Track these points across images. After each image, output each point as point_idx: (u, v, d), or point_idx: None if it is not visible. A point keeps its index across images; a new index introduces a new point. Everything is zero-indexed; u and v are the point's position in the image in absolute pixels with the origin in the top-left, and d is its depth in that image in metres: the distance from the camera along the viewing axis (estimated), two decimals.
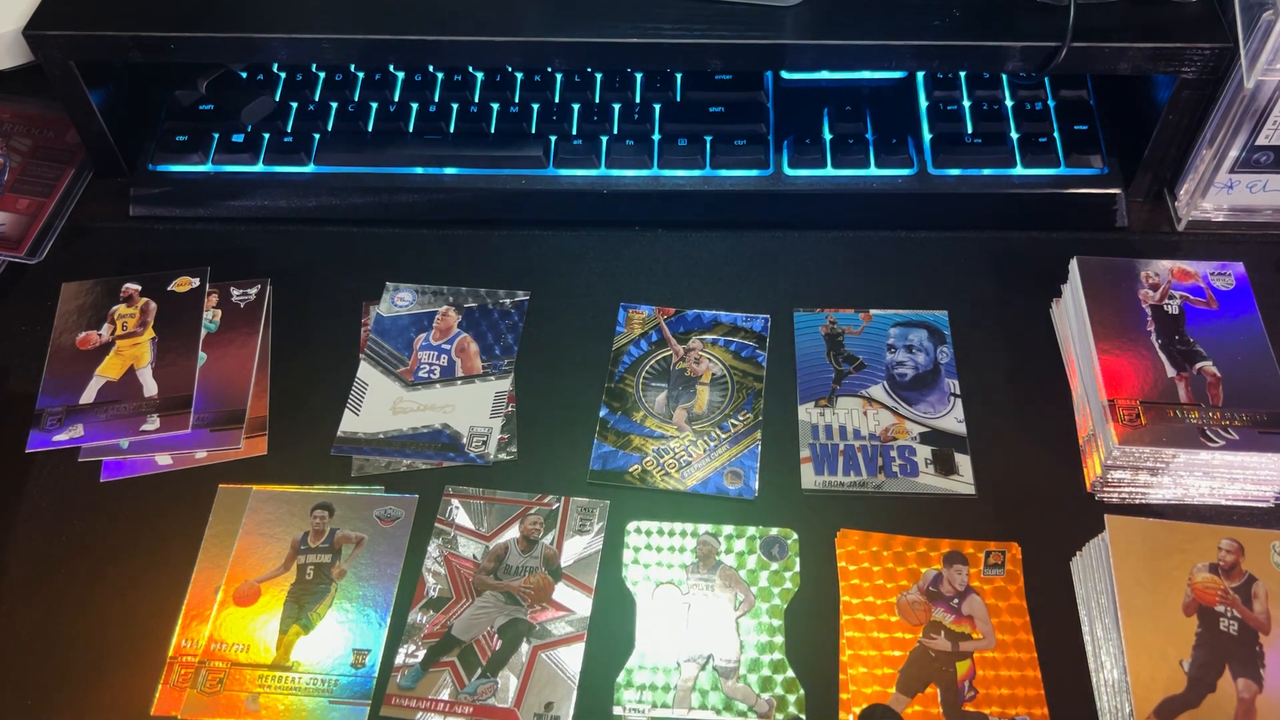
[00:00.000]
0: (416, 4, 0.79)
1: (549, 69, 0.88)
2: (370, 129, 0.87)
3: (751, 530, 0.69)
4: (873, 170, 0.84)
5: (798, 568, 0.68)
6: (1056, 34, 0.75)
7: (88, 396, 0.75)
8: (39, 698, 0.64)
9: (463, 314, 0.80)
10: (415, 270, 0.83)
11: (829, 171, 0.84)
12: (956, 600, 0.66)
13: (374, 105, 0.88)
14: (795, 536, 0.69)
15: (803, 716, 0.63)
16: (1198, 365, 0.70)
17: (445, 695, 0.64)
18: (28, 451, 0.73)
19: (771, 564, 0.68)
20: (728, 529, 0.69)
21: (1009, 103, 0.86)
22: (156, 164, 0.86)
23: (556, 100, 0.87)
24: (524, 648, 0.65)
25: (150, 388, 0.76)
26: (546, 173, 0.85)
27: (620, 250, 0.83)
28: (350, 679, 0.65)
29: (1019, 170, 0.83)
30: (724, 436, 0.74)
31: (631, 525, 0.69)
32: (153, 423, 0.74)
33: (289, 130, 0.87)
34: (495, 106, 0.87)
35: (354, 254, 0.84)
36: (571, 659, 0.65)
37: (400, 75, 0.90)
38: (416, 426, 0.75)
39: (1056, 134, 0.84)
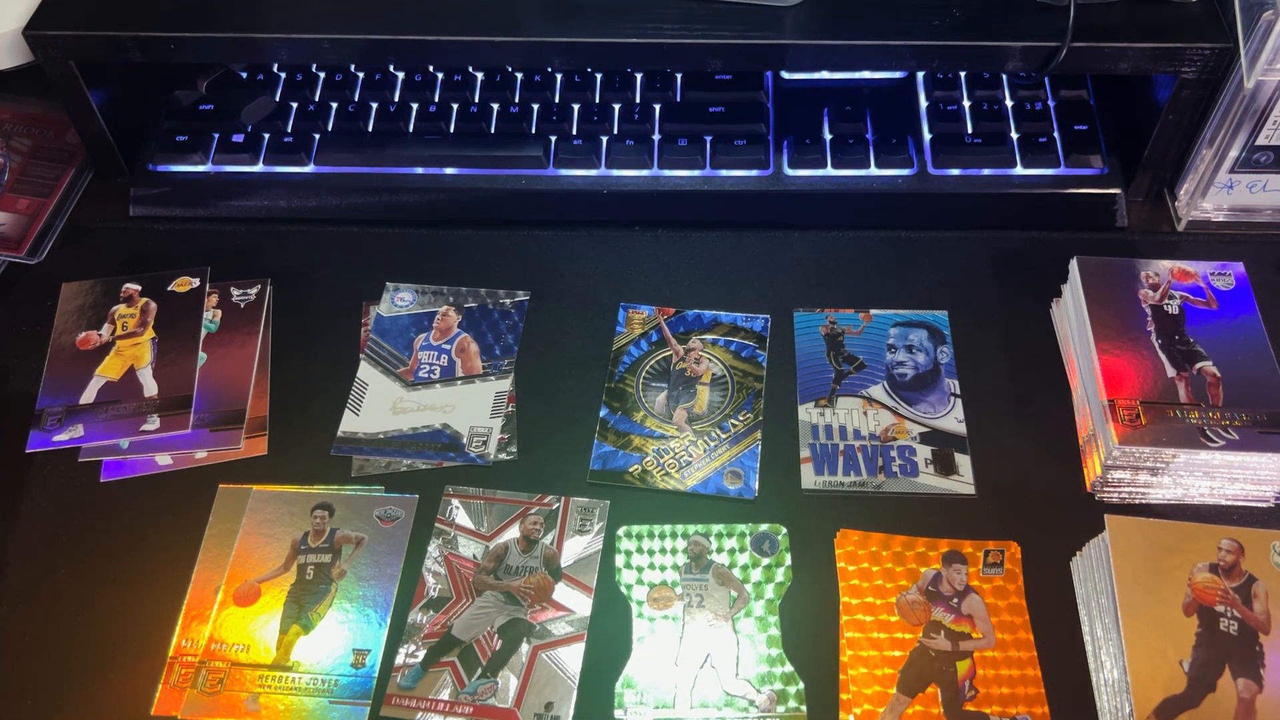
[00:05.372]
0: (416, 4, 0.79)
1: (549, 69, 0.88)
2: (370, 129, 0.87)
3: (741, 528, 0.69)
4: (873, 170, 0.84)
5: (789, 562, 0.68)
6: (1056, 34, 0.75)
7: (88, 396, 0.75)
8: (39, 698, 0.64)
9: (463, 314, 0.80)
10: (415, 270, 0.83)
11: (829, 171, 0.84)
12: (956, 600, 0.66)
13: (374, 105, 0.88)
14: (785, 531, 0.69)
15: (803, 708, 0.63)
16: (1198, 365, 0.70)
17: (445, 695, 0.64)
18: (28, 451, 0.73)
19: (763, 560, 0.68)
20: (718, 528, 0.69)
21: (1009, 103, 0.86)
22: (156, 164, 0.86)
23: (556, 100, 0.87)
24: (524, 648, 0.65)
25: (150, 388, 0.76)
26: (546, 173, 0.85)
27: (620, 250, 0.83)
28: (350, 679, 0.65)
29: (1019, 170, 0.83)
30: (724, 436, 0.74)
31: (621, 530, 0.69)
32: (153, 423, 0.74)
33: (289, 130, 0.87)
34: (495, 106, 0.87)
35: (354, 254, 0.84)
36: (571, 659, 0.65)
37: (400, 75, 0.90)
38: (416, 426, 0.75)
39: (1056, 134, 0.84)
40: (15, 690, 0.64)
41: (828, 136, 0.85)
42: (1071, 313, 0.75)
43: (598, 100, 0.87)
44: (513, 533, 0.70)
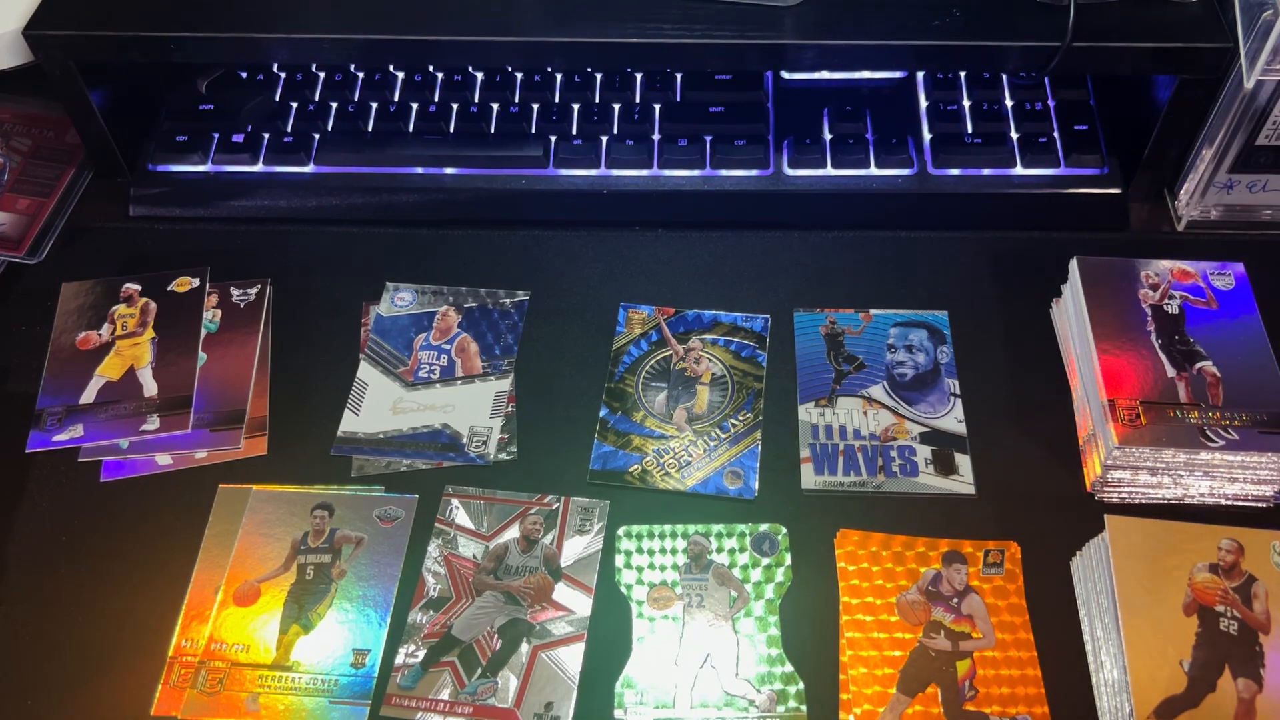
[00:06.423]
0: (416, 4, 0.79)
1: (549, 69, 0.88)
2: (370, 129, 0.87)
3: (741, 528, 0.69)
4: (873, 170, 0.84)
5: (789, 562, 0.68)
6: (1056, 34, 0.75)
7: (88, 396, 0.75)
8: (39, 698, 0.64)
9: (463, 314, 0.80)
10: (415, 270, 0.83)
11: (829, 171, 0.84)
12: (956, 600, 0.66)
13: (374, 105, 0.88)
14: (785, 531, 0.69)
15: (803, 708, 0.63)
16: (1198, 365, 0.70)
17: (445, 695, 0.64)
18: (28, 451, 0.73)
19: (763, 560, 0.68)
20: (717, 528, 0.69)
21: (1009, 103, 0.86)
22: (156, 164, 0.86)
23: (556, 100, 0.87)
24: (524, 648, 0.65)
25: (150, 388, 0.76)
26: (546, 173, 0.85)
27: (620, 250, 0.83)
28: (350, 679, 0.65)
29: (1019, 170, 0.83)
30: (724, 436, 0.74)
31: (621, 530, 0.69)
32: (153, 423, 0.74)
33: (289, 130, 0.87)
34: (495, 106, 0.87)
35: (354, 254, 0.84)
36: (571, 659, 0.65)
37: (400, 75, 0.90)
38: (416, 426, 0.75)
39: (1056, 134, 0.84)
40: (15, 690, 0.64)
41: (828, 136, 0.85)
42: (1071, 313, 0.75)
43: (598, 100, 0.87)
44: (513, 533, 0.70)
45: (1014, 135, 0.84)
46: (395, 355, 0.78)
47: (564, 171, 0.85)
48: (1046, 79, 0.87)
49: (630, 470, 0.72)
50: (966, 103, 0.86)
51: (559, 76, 0.88)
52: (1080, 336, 0.73)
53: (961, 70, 0.87)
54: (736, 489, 0.71)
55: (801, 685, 0.64)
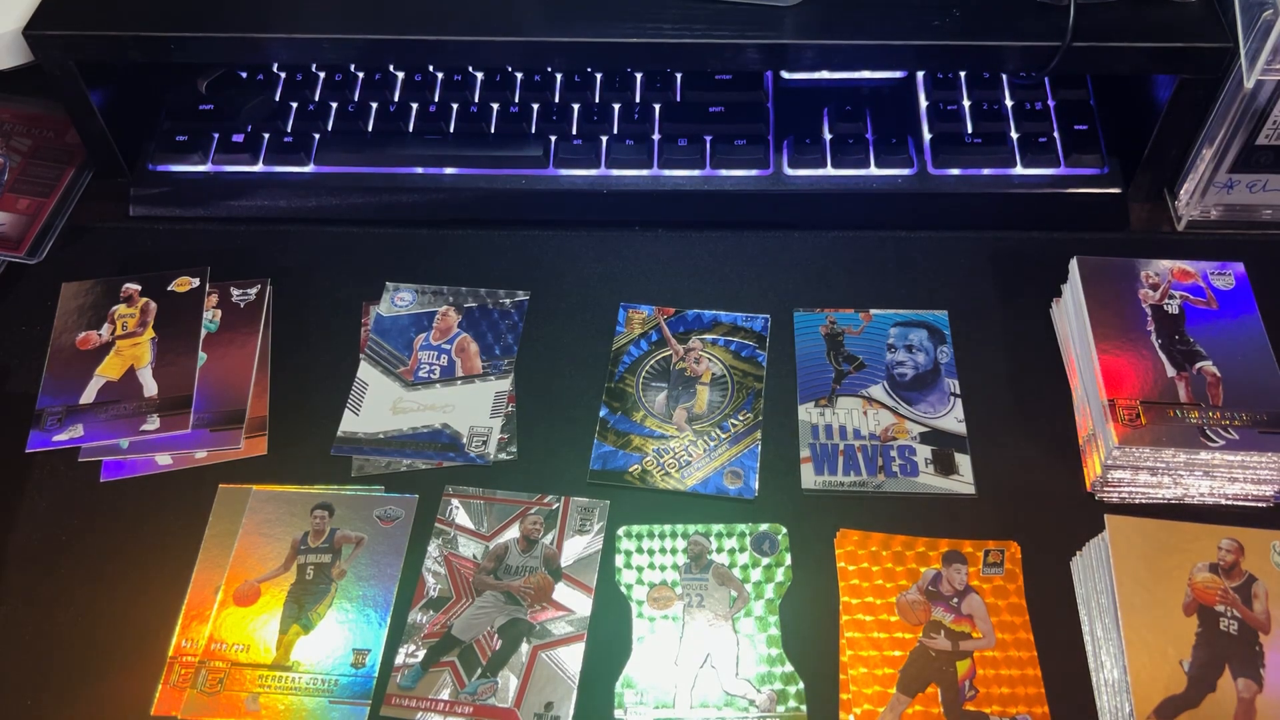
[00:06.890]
0: (416, 4, 0.79)
1: (549, 69, 0.88)
2: (370, 129, 0.87)
3: (741, 527, 0.69)
4: (873, 170, 0.84)
5: (789, 561, 0.68)
6: (1056, 34, 0.75)
7: (88, 396, 0.75)
8: (39, 698, 0.64)
9: (463, 314, 0.80)
10: (415, 270, 0.83)
11: (829, 171, 0.84)
12: (956, 599, 0.66)
13: (374, 105, 0.88)
14: (785, 531, 0.69)
15: (803, 708, 0.63)
16: (1198, 365, 0.70)
17: (445, 695, 0.64)
18: (28, 451, 0.73)
19: (763, 560, 0.68)
20: (717, 527, 0.69)
21: (1009, 103, 0.86)
22: (156, 164, 0.86)
23: (556, 100, 0.87)
24: (524, 648, 0.65)
25: (150, 388, 0.76)
26: (546, 173, 0.85)
27: (620, 250, 0.83)
28: (350, 679, 0.65)
29: (1019, 170, 0.83)
30: (724, 436, 0.74)
31: (621, 530, 0.69)
32: (153, 423, 0.74)
33: (289, 130, 0.87)
34: (495, 106, 0.87)
35: (354, 254, 0.84)
36: (571, 659, 0.65)
37: (400, 75, 0.90)
38: (416, 426, 0.75)
39: (1056, 134, 0.84)
40: (15, 690, 0.64)
41: (828, 136, 0.85)
42: (1071, 313, 0.75)
43: (598, 100, 0.87)
44: (513, 533, 0.70)
45: (1014, 135, 0.84)
46: (395, 355, 0.78)
47: (564, 171, 0.85)
48: (1046, 79, 0.87)
49: (630, 470, 0.72)
50: (966, 103, 0.87)
51: (559, 76, 0.88)
52: (1080, 336, 0.73)
53: (961, 70, 0.87)
54: (736, 489, 0.71)
55: (801, 685, 0.64)
